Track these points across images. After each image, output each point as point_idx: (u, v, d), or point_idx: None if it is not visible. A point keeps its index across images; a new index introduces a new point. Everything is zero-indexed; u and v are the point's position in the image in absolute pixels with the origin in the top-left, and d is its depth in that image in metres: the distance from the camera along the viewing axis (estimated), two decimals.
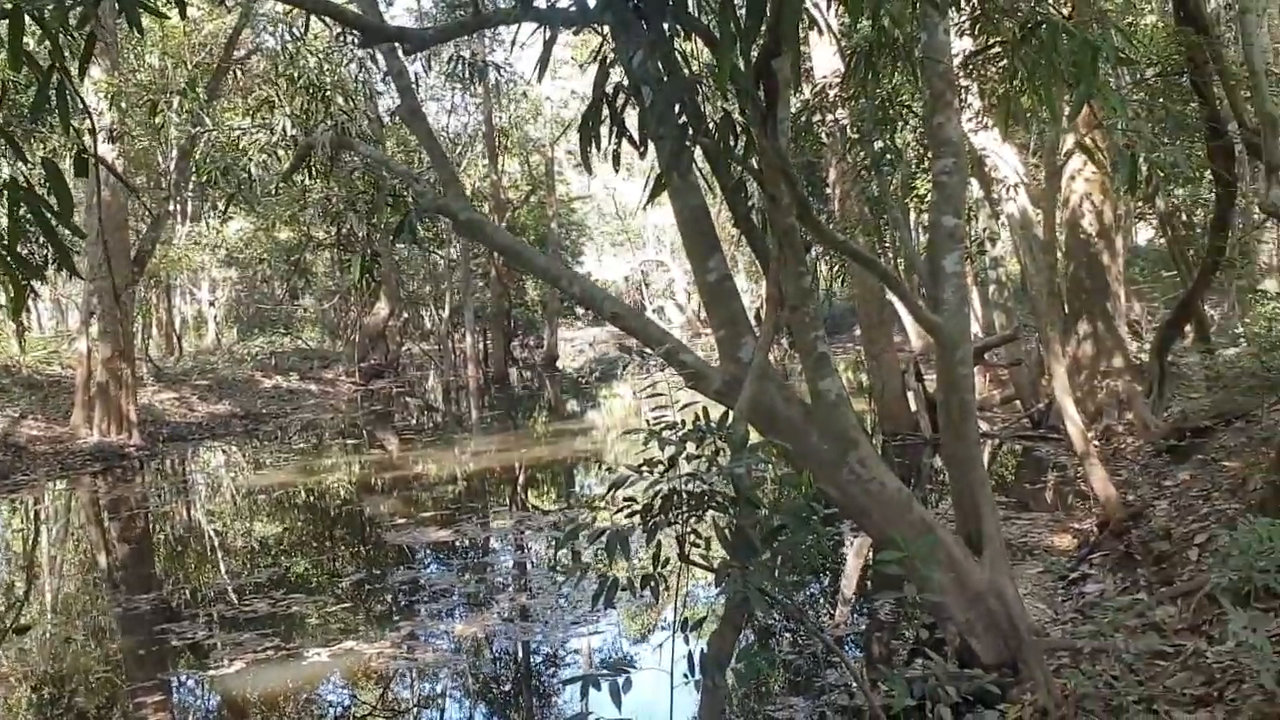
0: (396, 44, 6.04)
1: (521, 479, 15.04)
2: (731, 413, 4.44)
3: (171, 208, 23.81)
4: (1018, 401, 15.33)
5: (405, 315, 37.73)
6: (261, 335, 35.66)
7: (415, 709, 6.36)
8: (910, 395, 15.04)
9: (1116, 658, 4.64)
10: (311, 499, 14.18)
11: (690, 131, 3.50)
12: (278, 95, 9.55)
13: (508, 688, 6.59)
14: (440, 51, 24.76)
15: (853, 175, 12.35)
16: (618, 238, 62.27)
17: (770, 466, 4.17)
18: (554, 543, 10.09)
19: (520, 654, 7.10)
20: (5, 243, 2.48)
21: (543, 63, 3.47)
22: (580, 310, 60.66)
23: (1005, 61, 5.91)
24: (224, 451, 19.92)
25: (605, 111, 3.49)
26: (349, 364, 32.08)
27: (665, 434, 4.06)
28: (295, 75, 9.58)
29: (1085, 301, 12.43)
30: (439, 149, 6.79)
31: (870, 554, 8.68)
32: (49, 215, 2.60)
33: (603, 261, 61.70)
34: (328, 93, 9.29)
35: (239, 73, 23.13)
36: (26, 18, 3.19)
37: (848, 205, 13.76)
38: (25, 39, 3.22)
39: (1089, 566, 7.40)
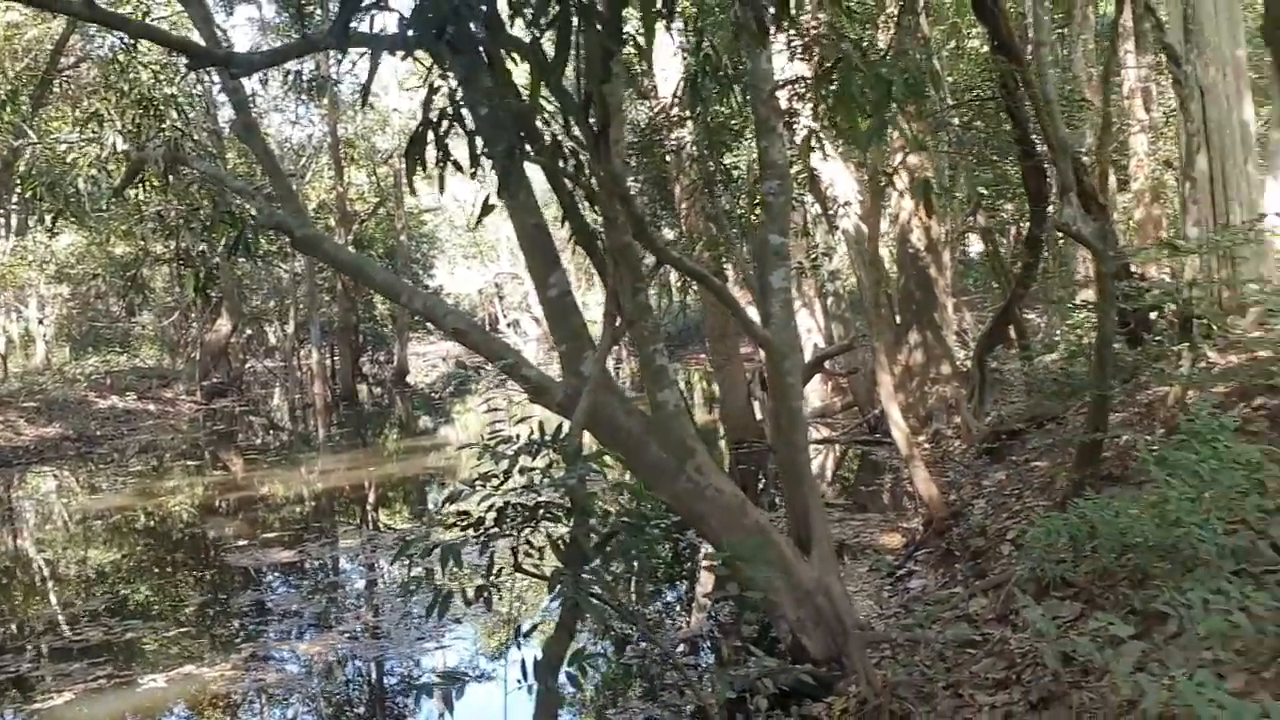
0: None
1: (372, 497, 14.84)
2: (567, 424, 4.58)
3: None
4: (857, 408, 15.98)
5: (249, 331, 36.62)
6: (96, 354, 34.01)
7: None
8: (756, 404, 15.48)
9: (929, 647, 4.98)
10: (151, 523, 13.67)
11: (517, 153, 3.64)
12: (108, 108, 9.24)
13: (355, 705, 6.56)
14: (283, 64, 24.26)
15: (692, 192, 12.71)
16: (470, 250, 61.68)
17: (605, 475, 4.32)
18: (404, 561, 10.04)
19: (368, 671, 7.07)
20: None
21: (366, 89, 3.55)
22: (431, 324, 59.61)
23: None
24: (55, 476, 18.97)
25: (431, 135, 3.59)
26: (190, 383, 30.92)
27: (500, 447, 4.18)
28: (126, 87, 9.29)
29: (915, 312, 13.12)
30: (275, 164, 6.74)
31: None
32: None
33: (455, 274, 60.95)
34: (161, 106, 9.03)
35: (67, 82, 22.11)
36: None
37: (692, 221, 14.12)
38: None
39: (914, 563, 7.84)
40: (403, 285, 7.37)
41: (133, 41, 9.92)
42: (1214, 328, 7.61)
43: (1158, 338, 8.31)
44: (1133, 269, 10.12)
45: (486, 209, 4.45)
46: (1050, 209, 9.16)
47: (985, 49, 13.07)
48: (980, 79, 11.12)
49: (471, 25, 2.95)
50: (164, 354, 35.65)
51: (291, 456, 19.85)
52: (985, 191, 14.44)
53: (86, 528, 13.44)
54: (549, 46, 3.37)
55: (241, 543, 11.25)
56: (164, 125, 8.76)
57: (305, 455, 19.95)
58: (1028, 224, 12.17)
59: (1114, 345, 6.76)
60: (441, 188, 4.36)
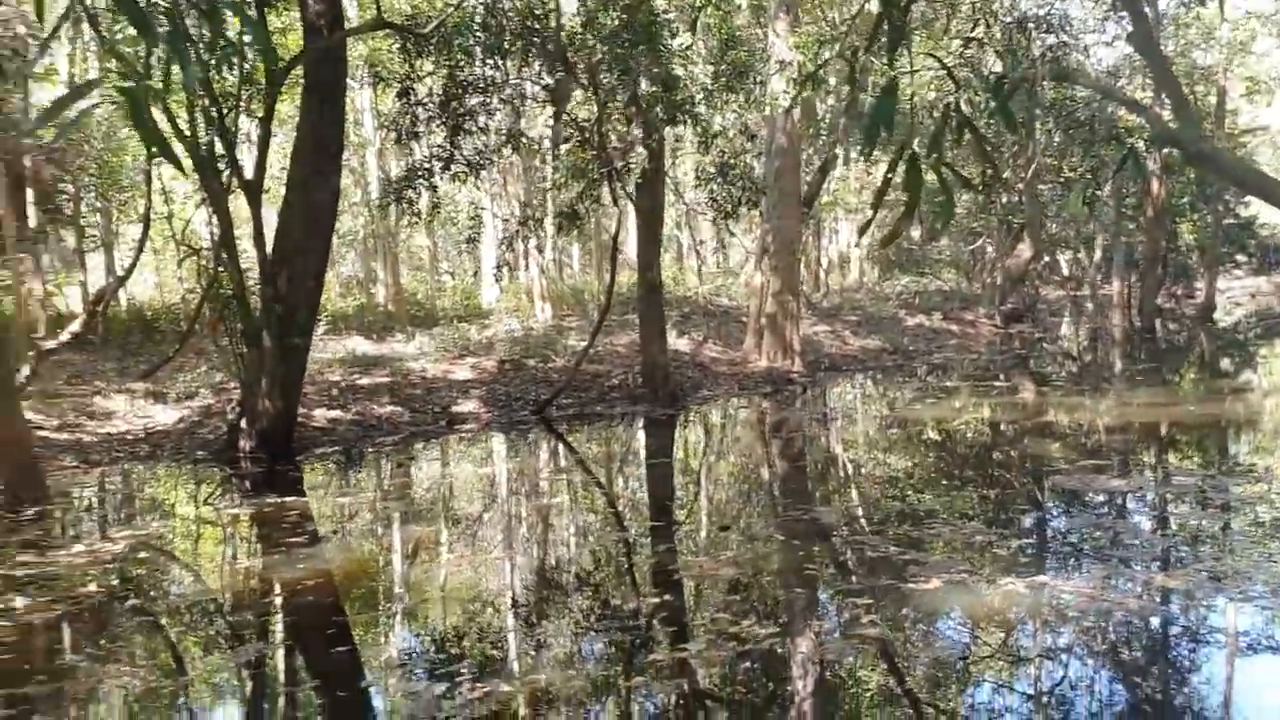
0: None
1: (1188, 438, 13.90)
2: None
3: (837, 151, 25.35)
4: None
5: (1045, 259, 36.49)
6: (904, 275, 36.81)
7: (1111, 652, 6.24)
8: None
9: None
10: (968, 434, 14.47)
11: None
12: (984, 34, 9.70)
13: (1210, 650, 6.20)
14: None
15: None
16: None
17: None
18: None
19: (1229, 617, 6.63)
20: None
21: None
22: (1240, 258, 54.18)
23: None
24: (874, 383, 21.02)
25: None
26: (989, 307, 31.89)
27: None
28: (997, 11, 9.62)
29: None
30: (1172, 77, 6.44)
31: None
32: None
33: None
34: (1030, 26, 9.21)
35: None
36: None
37: None
38: None
39: None
40: None
41: None
42: None
43: None
44: None
45: None
46: None
47: None
48: None
49: None
50: (961, 278, 37.24)
51: (1089, 386, 19.47)
52: None
53: (904, 432, 14.69)
54: None
55: (1061, 465, 11.32)
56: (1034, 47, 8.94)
57: (1103, 386, 19.39)
58: None
59: None
60: None
